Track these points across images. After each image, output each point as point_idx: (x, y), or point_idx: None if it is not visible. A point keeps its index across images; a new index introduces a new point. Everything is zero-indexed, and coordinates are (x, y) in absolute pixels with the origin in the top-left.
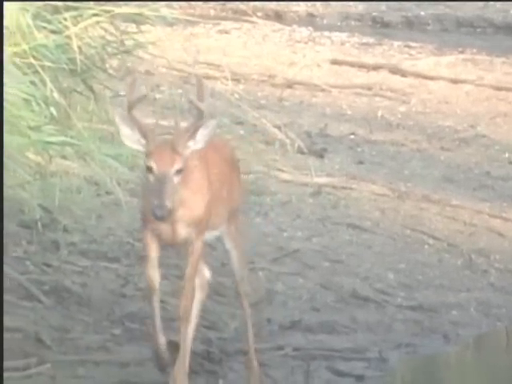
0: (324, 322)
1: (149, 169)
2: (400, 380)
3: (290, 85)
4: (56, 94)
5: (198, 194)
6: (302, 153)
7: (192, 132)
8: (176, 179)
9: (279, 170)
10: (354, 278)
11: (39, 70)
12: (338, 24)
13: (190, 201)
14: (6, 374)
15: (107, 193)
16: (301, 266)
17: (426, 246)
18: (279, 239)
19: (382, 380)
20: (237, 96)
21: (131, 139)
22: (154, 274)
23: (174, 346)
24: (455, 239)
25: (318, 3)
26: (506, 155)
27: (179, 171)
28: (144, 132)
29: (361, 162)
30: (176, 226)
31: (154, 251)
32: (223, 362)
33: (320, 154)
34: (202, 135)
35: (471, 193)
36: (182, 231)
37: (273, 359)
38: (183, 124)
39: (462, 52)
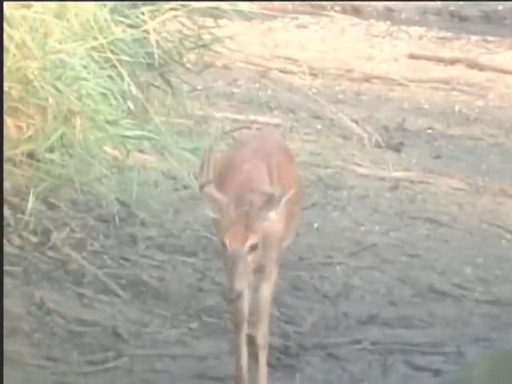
0: (401, 316)
1: (223, 245)
2: (477, 375)
3: (367, 79)
4: (133, 88)
5: (279, 222)
6: (380, 147)
7: (266, 208)
8: (249, 257)
9: (357, 164)
10: (432, 273)
11: (117, 64)
12: (416, 18)
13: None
14: (83, 368)
15: (184, 187)
16: (378, 260)
17: (504, 241)
18: (356, 233)
19: (460, 374)
20: (314, 90)
21: (212, 211)
22: (243, 307)
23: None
24: None
25: None
26: None
27: (253, 248)
28: (219, 207)
29: (438, 157)
30: None
31: None
32: (300, 356)
33: (397, 149)
34: (275, 204)
35: None
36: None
37: (350, 353)
38: (258, 198)
39: None
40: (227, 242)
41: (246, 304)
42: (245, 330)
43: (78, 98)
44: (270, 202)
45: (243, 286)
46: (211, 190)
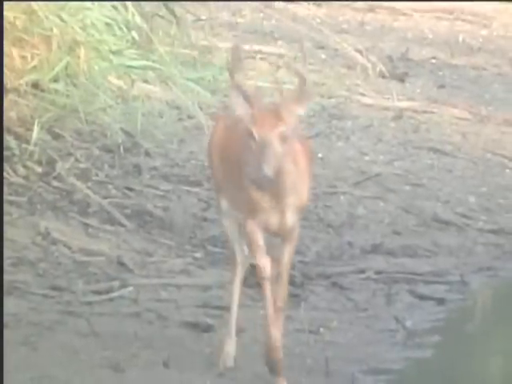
0: (405, 245)
1: (250, 135)
2: (481, 303)
3: (371, 9)
4: (138, 18)
5: (304, 179)
6: (384, 77)
7: (296, 98)
8: (279, 146)
9: (361, 94)
10: (435, 202)
11: None
12: None
13: (299, 187)
14: (88, 298)
15: (189, 117)
16: (382, 189)
17: (507, 170)
18: (361, 163)
19: (463, 303)
20: (318, 20)
21: (237, 105)
22: (266, 262)
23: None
24: None
25: None
26: None
27: (283, 138)
28: (247, 97)
29: (442, 86)
30: (286, 214)
31: (262, 240)
32: (305, 286)
33: (401, 78)
34: (304, 101)
35: None
36: (291, 219)
37: (354, 282)
38: (286, 90)
39: None
40: (254, 130)
41: (268, 261)
42: (270, 284)
43: (83, 28)
44: (299, 98)
45: (273, 173)
46: (240, 80)
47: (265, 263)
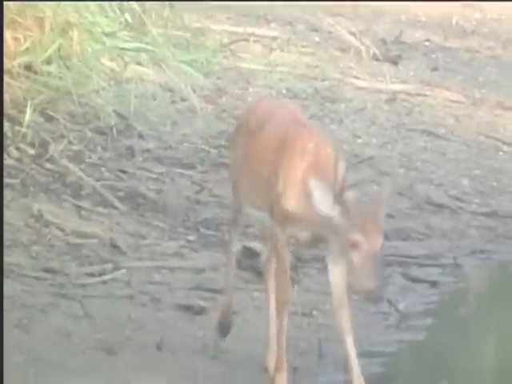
0: (399, 228)
1: (354, 245)
2: (474, 286)
3: None
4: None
5: None
6: (377, 60)
7: (384, 199)
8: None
9: (354, 76)
10: (429, 185)
11: None
12: None
13: None
14: (82, 280)
15: (182, 99)
16: (375, 172)
17: (501, 153)
18: (354, 146)
19: (456, 286)
20: (312, 3)
21: (325, 204)
22: (291, 287)
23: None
24: None
25: None
26: None
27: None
28: (342, 201)
29: (435, 69)
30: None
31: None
32: (298, 269)
33: (395, 61)
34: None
35: None
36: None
37: None
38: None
39: None
40: (363, 241)
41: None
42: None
43: (76, 10)
44: (382, 202)
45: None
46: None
47: (290, 288)
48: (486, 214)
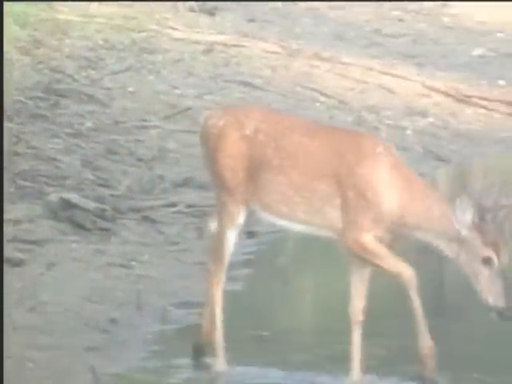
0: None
1: (486, 260)
2: (292, 236)
3: None
4: None
5: None
6: (193, 11)
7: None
8: None
9: (171, 28)
10: None
11: None
12: None
13: None
14: None
15: None
16: (193, 123)
17: (318, 104)
18: (171, 97)
19: (274, 237)
20: None
21: (463, 224)
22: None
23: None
24: (346, 96)
25: None
26: (397, 13)
27: None
28: (485, 230)
29: (252, 20)
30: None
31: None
32: (116, 220)
33: (211, 12)
34: None
35: (362, 50)
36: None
37: (166, 216)
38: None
39: None
40: (495, 259)
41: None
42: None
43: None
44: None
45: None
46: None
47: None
48: None
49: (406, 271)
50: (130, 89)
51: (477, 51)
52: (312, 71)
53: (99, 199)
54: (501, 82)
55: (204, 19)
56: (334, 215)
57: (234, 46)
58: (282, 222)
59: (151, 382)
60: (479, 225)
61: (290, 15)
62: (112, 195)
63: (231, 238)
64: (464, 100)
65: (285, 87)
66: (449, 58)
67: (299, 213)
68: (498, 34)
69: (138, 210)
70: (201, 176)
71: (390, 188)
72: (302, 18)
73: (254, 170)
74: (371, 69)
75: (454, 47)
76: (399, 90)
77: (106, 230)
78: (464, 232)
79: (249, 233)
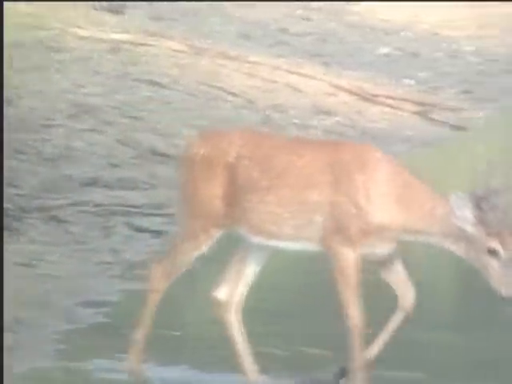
0: (123, 178)
1: (492, 252)
2: None
3: None
4: None
5: None
6: (99, 9)
7: None
8: None
9: (77, 26)
10: (153, 135)
11: None
12: None
13: None
14: None
15: None
16: (98, 122)
17: (225, 103)
18: (77, 96)
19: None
20: None
21: (466, 221)
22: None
23: None
24: (253, 95)
25: None
26: (300, 11)
27: None
28: (486, 221)
29: (159, 19)
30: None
31: None
32: (23, 219)
33: (118, 11)
34: None
35: (268, 49)
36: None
37: (72, 215)
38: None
39: None
40: (500, 248)
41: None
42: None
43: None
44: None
45: None
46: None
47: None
48: None
49: (356, 319)
50: (37, 87)
51: (382, 50)
52: (219, 70)
53: (6, 199)
54: (406, 81)
55: (111, 18)
56: (323, 224)
57: (141, 44)
58: (270, 242)
59: (58, 381)
60: (480, 216)
61: (198, 14)
62: (18, 195)
63: (188, 261)
64: (370, 99)
65: (192, 86)
66: (355, 56)
67: (287, 228)
68: (402, 33)
69: (45, 210)
70: (107, 175)
71: (385, 198)
72: (209, 17)
73: (239, 194)
74: (278, 68)
75: (359, 46)
76: (306, 89)
77: (13, 229)
78: (469, 228)
79: (154, 232)
